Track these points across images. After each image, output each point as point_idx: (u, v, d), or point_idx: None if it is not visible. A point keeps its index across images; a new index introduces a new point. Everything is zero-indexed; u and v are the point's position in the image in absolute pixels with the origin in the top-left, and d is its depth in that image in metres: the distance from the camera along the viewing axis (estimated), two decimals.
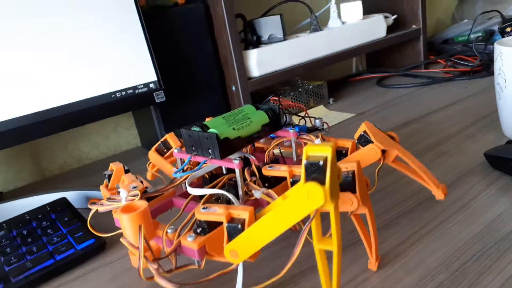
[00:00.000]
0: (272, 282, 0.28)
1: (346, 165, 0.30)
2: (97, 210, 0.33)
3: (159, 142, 0.42)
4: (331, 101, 0.86)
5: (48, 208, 0.51)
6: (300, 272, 0.36)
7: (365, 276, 0.35)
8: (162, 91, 0.63)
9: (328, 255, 0.27)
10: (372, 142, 0.35)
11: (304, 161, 0.24)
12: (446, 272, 0.34)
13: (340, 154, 0.37)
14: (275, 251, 0.40)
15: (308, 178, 0.24)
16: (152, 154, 0.42)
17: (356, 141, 0.36)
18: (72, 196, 0.56)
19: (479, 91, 0.79)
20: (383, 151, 0.35)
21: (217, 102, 0.75)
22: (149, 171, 0.42)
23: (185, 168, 0.36)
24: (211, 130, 0.33)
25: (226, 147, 0.33)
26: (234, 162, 0.32)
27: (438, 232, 0.39)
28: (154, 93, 0.63)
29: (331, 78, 1.01)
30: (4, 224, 0.49)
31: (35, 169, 0.75)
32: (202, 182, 0.38)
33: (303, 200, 0.23)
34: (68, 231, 0.46)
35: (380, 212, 0.44)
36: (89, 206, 0.33)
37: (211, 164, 0.34)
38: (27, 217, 0.50)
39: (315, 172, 0.24)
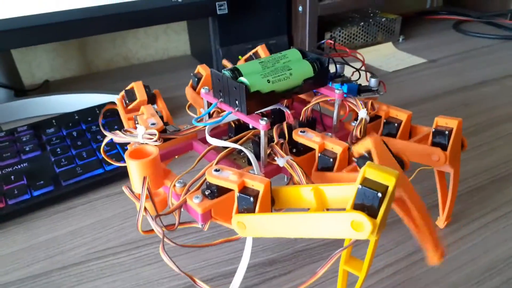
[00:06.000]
0: None
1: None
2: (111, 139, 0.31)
3: (192, 75, 0.39)
4: (401, 39, 0.78)
5: (97, 111, 0.50)
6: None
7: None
8: (225, 1, 0.57)
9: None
10: (446, 145, 0.30)
11: (358, 186, 0.20)
12: None
13: (390, 126, 0.33)
14: None
15: (358, 205, 0.20)
16: (188, 91, 0.38)
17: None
18: None
19: None
20: None
21: (279, 22, 0.68)
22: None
23: (210, 113, 0.33)
24: (241, 79, 0.29)
25: (255, 101, 0.29)
26: (260, 122, 0.28)
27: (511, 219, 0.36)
28: (216, 3, 0.57)
29: (403, 11, 0.91)
30: (53, 121, 0.48)
31: (82, 61, 0.73)
32: (227, 128, 0.35)
33: (345, 226, 0.20)
34: None
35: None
36: (104, 133, 0.30)
37: (236, 116, 0.31)
38: (76, 117, 0.49)
39: (369, 201, 0.20)
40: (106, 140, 0.31)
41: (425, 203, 0.38)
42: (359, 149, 0.27)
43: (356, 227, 0.20)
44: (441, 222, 0.35)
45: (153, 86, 0.38)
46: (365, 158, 0.26)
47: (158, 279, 0.32)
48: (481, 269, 0.32)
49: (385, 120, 0.34)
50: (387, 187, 0.20)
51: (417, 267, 0.32)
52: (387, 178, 0.20)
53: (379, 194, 0.20)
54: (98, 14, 0.51)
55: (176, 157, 0.34)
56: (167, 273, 0.32)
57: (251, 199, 0.24)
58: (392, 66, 0.68)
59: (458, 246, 0.34)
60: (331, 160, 0.28)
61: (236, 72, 0.30)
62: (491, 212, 0.37)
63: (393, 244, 0.34)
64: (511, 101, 0.56)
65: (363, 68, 0.42)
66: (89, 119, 0.48)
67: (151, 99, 0.36)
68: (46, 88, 0.66)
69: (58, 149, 0.43)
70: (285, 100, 0.37)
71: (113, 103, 0.52)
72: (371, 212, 0.20)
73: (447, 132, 0.30)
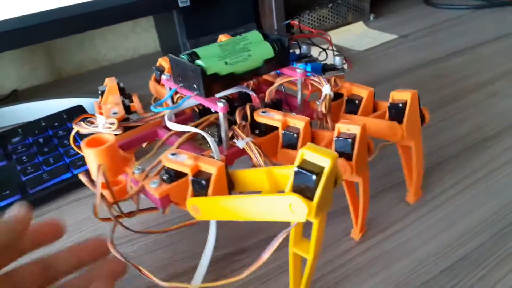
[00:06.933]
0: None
1: (349, 127, 0.27)
2: (78, 131, 0.30)
3: (154, 68, 0.39)
4: (371, 18, 0.77)
5: (65, 116, 0.49)
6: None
7: (396, 228, 0.33)
8: None
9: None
10: (402, 118, 0.30)
11: (295, 168, 0.20)
12: (488, 231, 0.31)
13: (352, 103, 0.33)
14: None
15: (296, 187, 0.20)
16: (152, 84, 0.38)
17: (389, 104, 0.31)
18: (89, 103, 0.53)
19: None
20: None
21: (246, 10, 0.67)
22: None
23: (174, 100, 0.33)
24: (197, 61, 0.28)
25: (213, 84, 0.28)
26: (218, 104, 0.27)
27: (484, 183, 0.36)
28: None
29: None
30: (19, 129, 0.47)
31: (50, 67, 0.71)
32: (192, 114, 0.35)
33: (284, 209, 0.20)
34: None
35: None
36: (73, 125, 0.30)
37: (195, 100, 0.30)
38: (43, 123, 0.48)
39: (306, 182, 0.20)
40: (73, 133, 0.31)
41: (390, 180, 0.37)
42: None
43: (294, 210, 0.20)
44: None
45: (126, 85, 0.37)
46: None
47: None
48: (455, 235, 0.31)
49: (347, 98, 0.33)
50: (323, 168, 0.20)
51: (389, 242, 0.32)
52: (325, 157, 0.20)
53: (314, 177, 0.19)
54: (59, 17, 0.50)
55: (143, 145, 0.34)
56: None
57: (203, 182, 0.23)
58: (363, 44, 0.67)
59: (433, 216, 0.33)
60: (295, 135, 0.28)
61: (193, 56, 0.29)
62: (464, 179, 0.37)
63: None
64: (483, 69, 0.56)
65: (330, 48, 0.42)
66: (56, 124, 0.47)
67: (123, 91, 0.36)
68: (15, 97, 0.64)
69: (24, 157, 0.42)
70: (251, 83, 0.36)
71: (81, 106, 0.51)
72: (310, 194, 0.20)
73: (401, 105, 0.29)
